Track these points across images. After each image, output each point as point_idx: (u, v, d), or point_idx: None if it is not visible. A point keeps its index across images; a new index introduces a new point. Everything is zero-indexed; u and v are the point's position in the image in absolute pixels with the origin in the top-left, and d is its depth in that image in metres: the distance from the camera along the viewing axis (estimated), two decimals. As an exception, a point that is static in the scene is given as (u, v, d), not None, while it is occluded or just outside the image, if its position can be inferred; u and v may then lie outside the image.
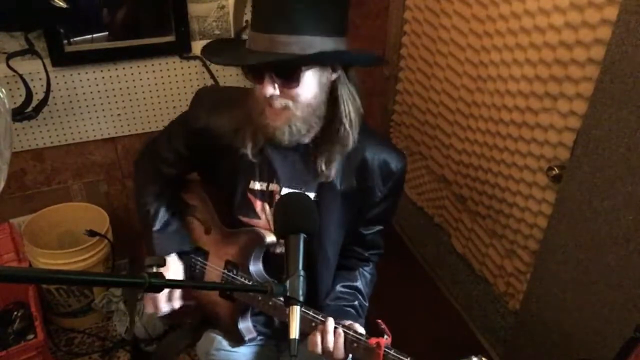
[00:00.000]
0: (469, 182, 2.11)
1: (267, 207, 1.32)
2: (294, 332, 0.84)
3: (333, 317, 1.23)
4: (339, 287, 1.39)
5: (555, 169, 1.59)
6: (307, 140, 1.24)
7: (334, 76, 1.16)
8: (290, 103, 1.13)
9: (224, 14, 2.08)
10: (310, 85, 1.13)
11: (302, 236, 0.92)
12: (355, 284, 1.40)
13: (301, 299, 0.86)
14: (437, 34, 2.12)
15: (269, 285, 0.85)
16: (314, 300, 1.35)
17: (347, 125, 1.19)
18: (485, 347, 2.21)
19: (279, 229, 0.96)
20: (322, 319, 1.18)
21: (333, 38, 1.12)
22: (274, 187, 1.30)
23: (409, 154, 2.57)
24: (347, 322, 1.21)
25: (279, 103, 1.13)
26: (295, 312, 0.85)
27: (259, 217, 1.33)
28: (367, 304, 1.40)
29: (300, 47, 1.07)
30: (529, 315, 1.83)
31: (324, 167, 1.23)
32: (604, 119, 1.38)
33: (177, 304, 1.36)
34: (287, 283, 0.86)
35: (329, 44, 1.11)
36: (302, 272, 0.88)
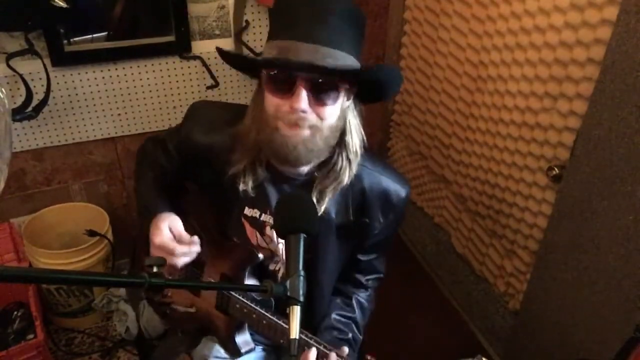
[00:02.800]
0: (469, 182, 2.11)
1: (257, 234, 1.29)
2: (294, 332, 0.84)
3: None
4: (334, 315, 1.34)
5: (555, 169, 1.59)
6: (306, 169, 1.18)
7: (347, 104, 1.11)
8: (319, 123, 1.06)
9: (224, 14, 2.08)
10: (338, 106, 1.08)
11: (302, 236, 0.91)
12: (352, 315, 1.36)
13: (301, 299, 0.86)
14: (437, 34, 2.12)
15: (268, 285, 0.85)
16: (307, 327, 1.33)
17: (349, 159, 1.15)
18: (485, 347, 2.21)
19: (279, 229, 0.96)
20: (326, 352, 1.16)
21: (357, 59, 1.07)
22: (265, 217, 1.26)
23: (409, 154, 2.57)
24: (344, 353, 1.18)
25: (307, 121, 1.05)
26: (296, 312, 0.85)
27: (249, 241, 1.30)
28: (361, 338, 1.36)
29: (344, 62, 1.02)
30: (529, 315, 1.83)
31: (315, 200, 1.16)
32: (604, 119, 1.38)
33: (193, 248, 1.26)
34: (287, 283, 0.86)
35: (357, 64, 1.07)
36: (302, 272, 0.87)
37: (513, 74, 1.73)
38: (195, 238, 1.23)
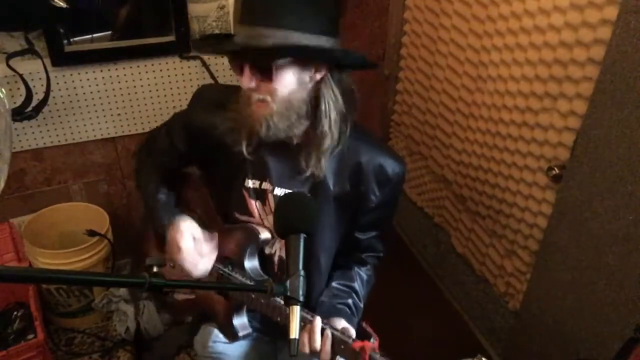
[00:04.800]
0: (469, 182, 2.11)
1: (259, 204, 1.33)
2: (294, 332, 0.84)
3: (326, 315, 1.22)
4: (334, 284, 1.37)
5: (555, 169, 1.59)
6: (295, 140, 1.23)
7: (318, 76, 1.15)
8: (268, 97, 1.13)
9: (224, 14, 2.08)
10: (287, 81, 1.12)
11: (303, 236, 0.92)
12: (351, 283, 1.38)
13: (301, 299, 0.86)
14: (437, 34, 2.12)
15: (269, 285, 0.85)
16: (306, 305, 1.35)
17: (326, 126, 1.18)
18: (485, 347, 2.21)
19: (279, 229, 0.96)
20: (311, 318, 1.18)
21: (317, 36, 1.10)
22: (266, 185, 1.30)
23: (409, 153, 2.57)
24: (338, 323, 1.20)
25: (256, 96, 1.14)
26: (296, 312, 0.85)
27: (252, 215, 1.34)
28: (362, 305, 1.38)
29: (277, 40, 1.07)
30: (529, 315, 1.83)
31: (304, 166, 1.22)
32: (604, 119, 1.38)
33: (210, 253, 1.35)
34: (288, 283, 0.86)
35: (312, 41, 1.09)
36: (302, 272, 0.88)
37: (513, 74, 1.73)
38: (215, 234, 1.33)
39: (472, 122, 2.01)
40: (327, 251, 1.34)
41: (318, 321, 1.16)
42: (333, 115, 1.18)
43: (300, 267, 0.88)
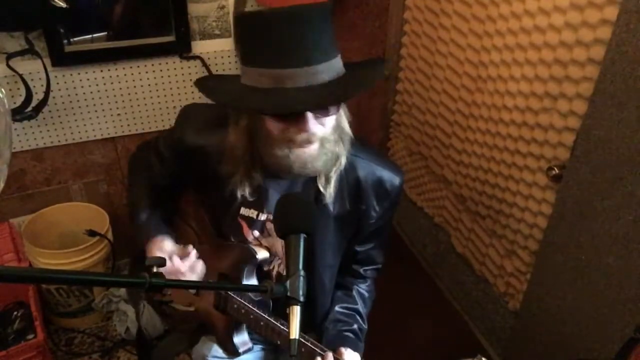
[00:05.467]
0: (469, 182, 2.11)
1: (256, 232, 1.30)
2: (294, 332, 0.84)
3: (332, 344, 1.22)
4: (337, 308, 1.35)
5: (555, 169, 1.59)
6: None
7: None
8: (325, 132, 1.08)
9: (224, 14, 2.08)
10: (334, 116, 1.10)
11: (302, 236, 0.92)
12: (354, 306, 1.37)
13: (301, 299, 0.86)
14: (437, 34, 2.12)
15: (269, 285, 0.85)
16: (311, 325, 1.34)
17: (344, 150, 1.16)
18: (485, 347, 2.21)
19: (279, 229, 0.96)
20: (322, 353, 1.17)
21: (337, 58, 1.07)
22: (263, 216, 1.27)
23: (409, 154, 2.57)
24: (345, 352, 1.18)
25: (316, 136, 1.06)
26: (296, 312, 0.85)
27: (247, 241, 1.30)
28: (366, 327, 1.37)
29: (333, 71, 1.03)
30: (529, 315, 1.83)
31: (322, 188, 1.19)
32: (604, 119, 1.38)
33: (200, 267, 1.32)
34: (288, 283, 0.86)
35: (340, 65, 1.07)
36: (302, 272, 0.87)
37: (513, 74, 1.73)
38: (190, 248, 1.28)
39: (472, 122, 2.01)
40: (329, 270, 1.33)
41: (330, 358, 1.15)
42: (347, 132, 1.16)
43: (301, 267, 0.88)
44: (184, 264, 1.27)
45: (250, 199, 1.22)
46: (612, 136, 1.36)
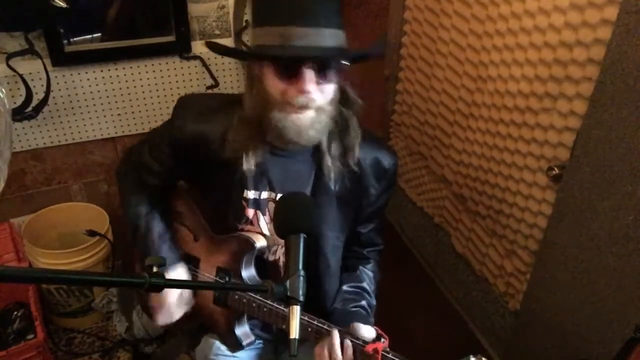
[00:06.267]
0: (469, 182, 2.10)
1: (259, 214, 1.30)
2: (294, 332, 0.84)
3: (341, 321, 1.22)
4: (345, 287, 1.38)
5: (555, 169, 1.59)
6: (319, 144, 1.22)
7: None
8: (323, 101, 1.11)
9: (224, 14, 2.08)
10: (335, 84, 1.14)
11: (302, 236, 0.92)
12: (360, 284, 1.39)
13: (301, 298, 0.86)
14: (437, 34, 2.12)
15: (269, 284, 0.85)
16: (321, 307, 1.35)
17: (355, 123, 1.22)
18: (485, 347, 2.21)
19: (279, 229, 0.96)
20: (328, 329, 1.18)
21: (342, 31, 1.13)
22: (266, 194, 1.28)
23: (409, 153, 2.57)
24: (355, 327, 1.19)
25: (315, 102, 1.10)
26: (296, 312, 0.85)
27: (251, 224, 1.31)
28: (374, 302, 1.39)
29: (341, 39, 1.09)
30: (529, 315, 1.83)
31: (324, 166, 1.23)
32: (604, 119, 1.38)
33: (188, 306, 1.34)
34: (287, 283, 0.86)
35: (342, 37, 1.13)
36: (302, 272, 0.88)
37: (513, 74, 1.73)
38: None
39: (472, 122, 2.01)
40: (335, 250, 1.34)
41: (336, 334, 1.16)
42: (357, 107, 1.22)
43: (300, 267, 0.88)
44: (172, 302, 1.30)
45: (254, 174, 1.24)
46: (612, 136, 1.36)
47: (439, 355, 2.10)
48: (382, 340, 1.15)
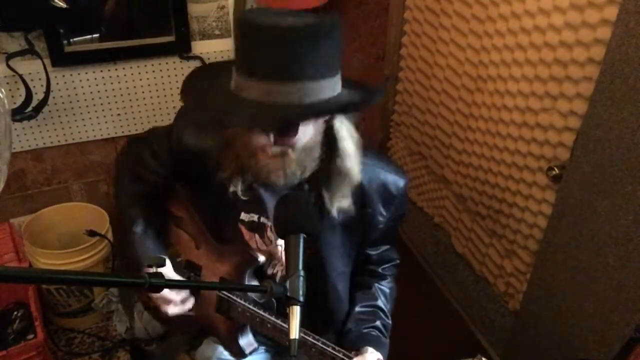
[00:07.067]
0: (469, 182, 2.10)
1: (257, 237, 1.27)
2: (294, 332, 0.84)
3: (354, 344, 1.22)
4: (358, 308, 1.33)
5: (555, 169, 1.59)
6: (300, 179, 1.14)
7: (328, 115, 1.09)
8: (288, 150, 1.05)
9: (224, 14, 2.08)
10: (307, 130, 1.05)
11: (302, 236, 0.91)
12: (375, 302, 1.35)
13: (301, 299, 0.86)
14: (437, 34, 2.12)
15: (268, 285, 0.85)
16: (332, 332, 1.33)
17: (348, 163, 1.12)
18: (485, 347, 2.20)
19: (279, 229, 0.96)
20: (332, 352, 1.16)
21: (333, 77, 1.02)
22: (264, 220, 1.25)
23: (409, 153, 2.57)
24: (367, 353, 1.17)
25: (275, 150, 1.04)
26: (295, 312, 0.85)
27: (248, 245, 1.29)
28: (389, 322, 1.35)
29: (327, 92, 0.99)
30: (529, 315, 1.83)
31: (329, 204, 1.15)
32: (604, 119, 1.38)
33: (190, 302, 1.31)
34: (287, 283, 0.86)
35: (331, 85, 1.02)
36: (302, 272, 0.87)
37: (513, 74, 1.73)
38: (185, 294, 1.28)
39: (472, 122, 2.01)
40: (341, 276, 1.31)
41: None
42: (353, 150, 1.13)
43: (300, 267, 0.88)
44: (179, 295, 1.26)
45: (244, 198, 1.19)
46: (612, 136, 1.36)
47: (439, 355, 2.10)
48: None
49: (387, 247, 1.36)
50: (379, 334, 1.30)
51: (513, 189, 1.85)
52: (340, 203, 1.15)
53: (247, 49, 0.99)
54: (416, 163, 2.53)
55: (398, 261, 1.42)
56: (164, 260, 0.86)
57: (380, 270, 1.38)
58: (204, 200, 1.31)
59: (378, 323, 1.31)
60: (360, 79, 1.20)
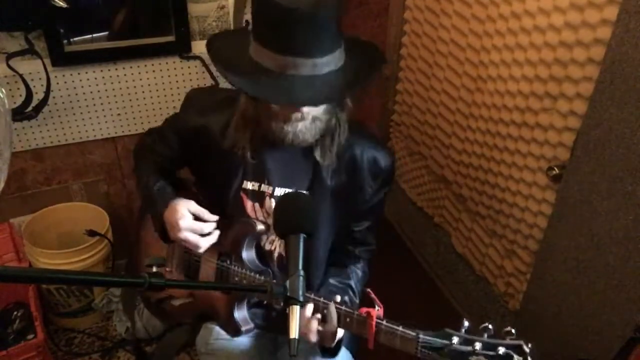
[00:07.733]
0: (469, 182, 2.11)
1: (257, 206, 1.35)
2: (294, 332, 0.84)
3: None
4: (331, 280, 1.41)
5: (555, 169, 1.59)
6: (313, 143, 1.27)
7: None
8: (308, 116, 1.18)
9: (224, 14, 2.08)
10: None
11: (302, 236, 0.92)
12: (347, 281, 1.42)
13: (301, 299, 0.86)
14: (437, 34, 2.12)
15: (268, 285, 0.85)
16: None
17: (344, 125, 1.27)
18: (485, 347, 2.20)
19: (279, 229, 0.97)
20: (326, 302, 1.20)
21: (340, 50, 1.16)
22: (265, 187, 1.34)
23: (409, 153, 2.57)
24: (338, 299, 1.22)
25: (308, 114, 1.17)
26: (295, 312, 0.85)
27: (249, 216, 1.36)
28: (357, 301, 1.41)
29: (337, 64, 1.13)
30: (529, 315, 1.83)
31: (319, 159, 1.27)
32: (604, 119, 1.38)
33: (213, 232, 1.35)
34: (287, 283, 0.86)
35: (342, 55, 1.16)
36: (302, 272, 0.88)
37: (513, 74, 1.73)
38: (212, 217, 1.33)
39: (472, 122, 2.01)
40: (324, 244, 1.37)
41: (309, 307, 1.18)
42: (344, 116, 1.27)
43: (300, 267, 0.89)
44: (207, 225, 1.31)
45: (251, 162, 1.30)
46: (612, 136, 1.36)
47: (438, 355, 2.10)
48: (377, 307, 1.15)
49: (370, 223, 1.42)
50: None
51: (513, 189, 1.85)
52: (331, 160, 1.28)
53: (262, 23, 1.12)
54: (416, 163, 2.53)
55: (374, 247, 1.48)
56: (164, 259, 0.86)
57: (356, 251, 1.45)
58: (208, 175, 1.40)
59: (346, 298, 1.36)
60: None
